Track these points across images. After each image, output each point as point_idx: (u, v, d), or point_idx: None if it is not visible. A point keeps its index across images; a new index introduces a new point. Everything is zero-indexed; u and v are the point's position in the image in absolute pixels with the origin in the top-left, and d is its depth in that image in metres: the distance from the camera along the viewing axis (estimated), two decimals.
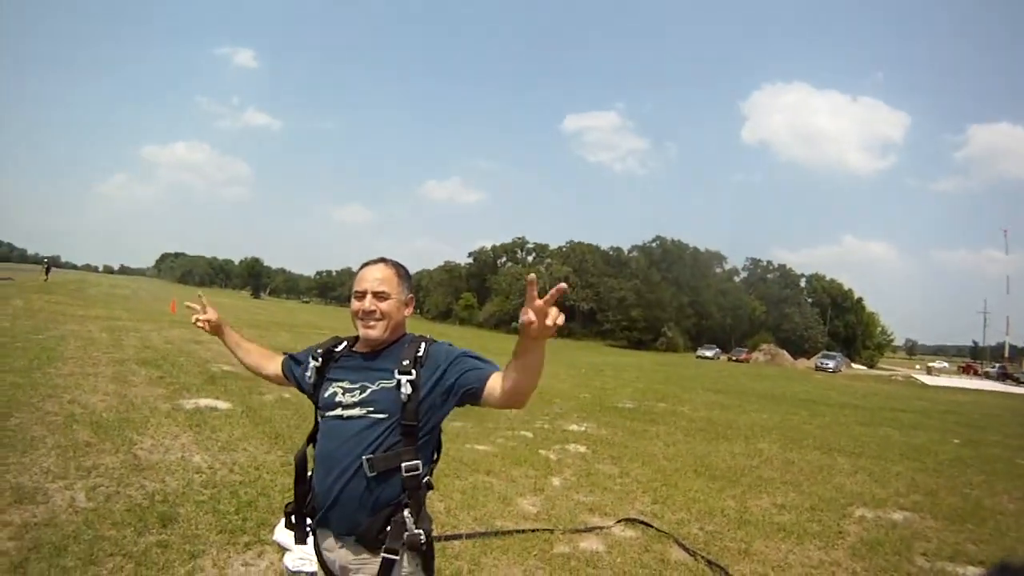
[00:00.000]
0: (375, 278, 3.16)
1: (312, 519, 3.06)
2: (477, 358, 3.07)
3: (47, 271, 70.00)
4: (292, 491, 3.23)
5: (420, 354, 3.02)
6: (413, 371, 2.94)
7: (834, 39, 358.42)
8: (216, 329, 3.69)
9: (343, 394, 3.00)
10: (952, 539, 8.30)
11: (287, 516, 3.17)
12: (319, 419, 3.11)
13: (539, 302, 2.43)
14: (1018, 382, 75.99)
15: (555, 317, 2.44)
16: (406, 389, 2.90)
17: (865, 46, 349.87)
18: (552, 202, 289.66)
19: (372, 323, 3.08)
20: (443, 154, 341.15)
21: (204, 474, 7.78)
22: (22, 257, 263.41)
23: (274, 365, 3.61)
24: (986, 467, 13.75)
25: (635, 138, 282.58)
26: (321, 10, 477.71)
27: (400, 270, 3.29)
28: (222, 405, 11.81)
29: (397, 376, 2.93)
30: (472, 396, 2.94)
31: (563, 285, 2.40)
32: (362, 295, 3.12)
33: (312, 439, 3.15)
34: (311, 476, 3.09)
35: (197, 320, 3.71)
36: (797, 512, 8.82)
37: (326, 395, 3.07)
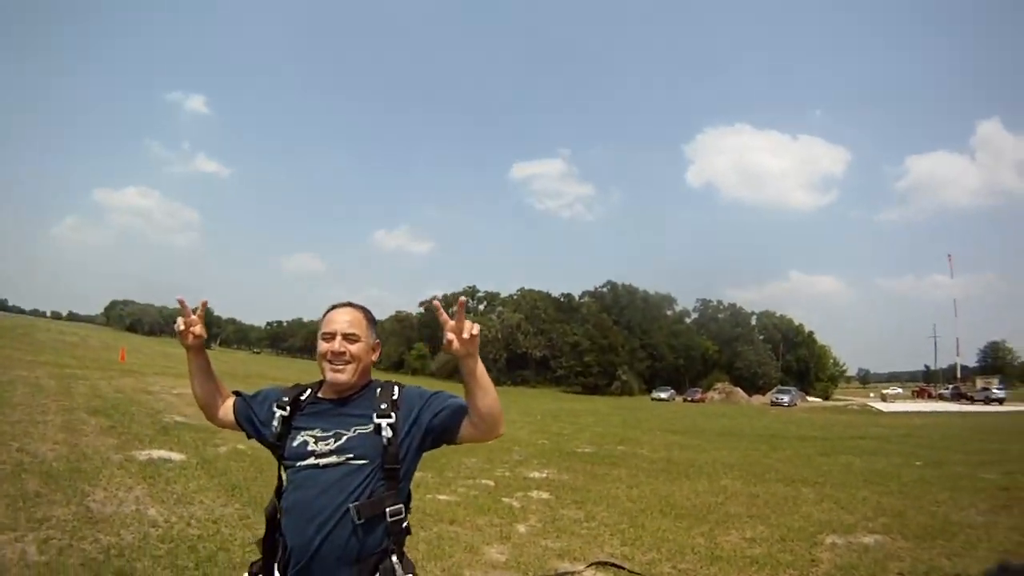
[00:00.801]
0: (345, 320, 3.11)
1: (285, 574, 2.86)
2: (450, 396, 3.06)
3: None
4: (253, 545, 3.17)
5: (395, 397, 3.00)
6: (392, 414, 2.91)
7: (773, 79, 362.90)
8: (196, 346, 3.32)
9: (316, 442, 2.89)
10: (925, 556, 8.30)
11: (252, 575, 3.01)
12: (286, 470, 2.97)
13: (451, 322, 2.68)
14: (972, 401, 77.17)
15: (470, 329, 2.66)
16: (387, 433, 2.86)
17: (802, 85, 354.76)
18: (502, 250, 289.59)
19: (341, 366, 3.01)
20: (392, 203, 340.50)
21: (160, 528, 7.53)
22: None
23: (225, 407, 3.42)
24: (950, 484, 13.81)
25: (581, 185, 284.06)
26: (271, 58, 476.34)
27: (368, 314, 3.26)
28: (176, 456, 11.52)
29: (376, 420, 2.88)
30: (449, 433, 2.98)
31: (463, 298, 2.84)
32: (331, 336, 3.05)
33: (280, 493, 2.99)
34: (280, 530, 2.92)
35: (186, 328, 3.25)
36: (768, 544, 8.71)
37: (295, 444, 2.94)
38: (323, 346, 3.06)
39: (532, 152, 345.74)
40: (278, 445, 3.02)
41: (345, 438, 2.85)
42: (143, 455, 11.29)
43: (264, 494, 8.44)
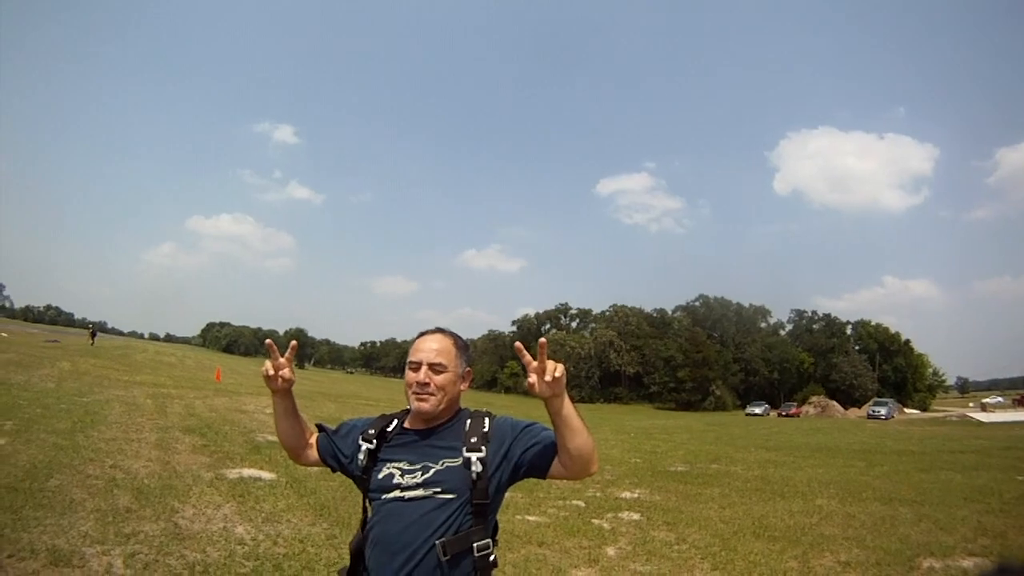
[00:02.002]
0: (431, 349, 3.01)
1: None
2: (543, 429, 2.96)
3: (92, 335, 71.13)
4: (338, 566, 3.28)
5: (486, 429, 2.90)
6: (483, 448, 2.81)
7: (853, 80, 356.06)
8: (284, 390, 3.20)
9: (402, 475, 2.82)
10: None
11: None
12: (371, 502, 2.91)
13: (535, 363, 2.63)
14: None
15: (552, 371, 2.59)
16: (476, 467, 2.75)
17: (883, 82, 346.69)
18: (592, 266, 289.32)
19: (425, 396, 2.92)
20: (481, 224, 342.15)
21: (247, 546, 7.63)
22: (69, 321, 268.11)
23: (309, 446, 3.33)
24: None
25: (668, 198, 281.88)
26: (356, 88, 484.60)
27: (459, 341, 3.15)
28: (266, 475, 11.62)
29: (466, 454, 2.79)
30: (538, 470, 2.89)
31: (543, 340, 2.67)
32: (417, 366, 2.97)
33: (365, 525, 2.93)
34: (364, 563, 2.87)
35: (275, 372, 3.12)
36: (862, 569, 8.51)
37: (381, 477, 2.87)
38: (409, 376, 2.97)
39: (617, 167, 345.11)
40: (363, 478, 2.95)
41: (433, 471, 2.78)
42: (234, 473, 11.45)
43: (353, 515, 8.51)
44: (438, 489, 2.72)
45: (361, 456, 2.96)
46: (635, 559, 8.61)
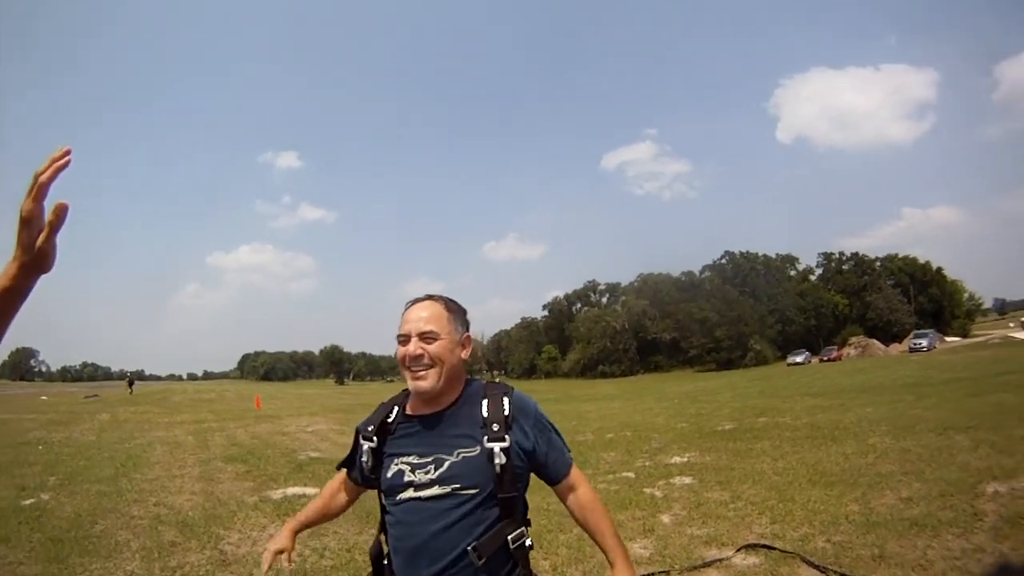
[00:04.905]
0: (420, 317, 2.73)
1: None
2: (562, 440, 2.84)
3: (130, 384, 73.31)
4: None
5: (507, 413, 2.64)
6: (506, 437, 2.57)
7: (835, 14, 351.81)
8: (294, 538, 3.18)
9: (412, 471, 2.57)
10: None
11: None
12: (386, 504, 2.68)
13: None
14: None
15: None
16: (500, 459, 2.52)
17: (868, 12, 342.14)
18: (613, 241, 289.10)
19: (421, 372, 2.66)
20: (494, 215, 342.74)
21: (294, 562, 7.40)
22: (107, 375, 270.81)
23: (342, 494, 3.20)
24: None
25: (676, 162, 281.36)
26: (351, 96, 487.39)
27: (450, 305, 2.86)
28: (310, 491, 11.53)
29: (487, 444, 2.54)
30: (545, 480, 2.81)
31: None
32: (406, 339, 2.70)
33: (384, 528, 2.72)
34: (391, 570, 2.67)
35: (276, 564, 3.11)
36: (926, 502, 8.27)
37: (390, 475, 2.63)
38: (400, 352, 2.72)
39: (619, 139, 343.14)
40: (372, 479, 2.77)
41: (447, 464, 2.53)
42: (278, 494, 11.39)
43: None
44: (458, 485, 2.50)
45: (365, 457, 2.77)
46: (691, 523, 8.44)
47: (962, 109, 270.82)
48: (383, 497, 2.71)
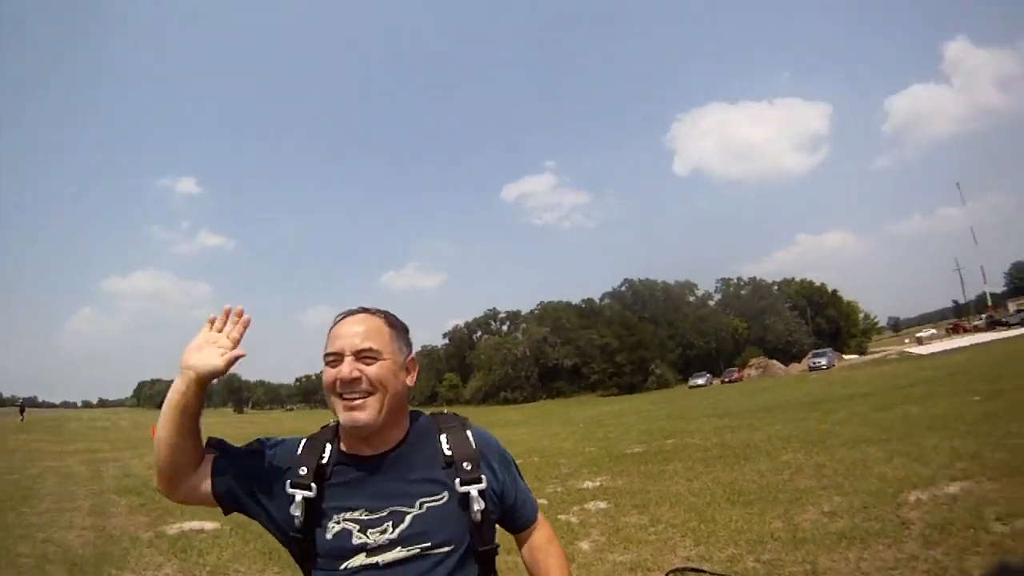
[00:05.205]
0: (354, 332, 2.11)
1: None
2: (528, 494, 2.35)
3: (22, 411, 70.96)
4: None
5: (475, 447, 2.15)
6: (483, 477, 2.08)
7: (730, 51, 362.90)
8: (214, 373, 2.08)
9: (363, 531, 1.96)
10: (1020, 494, 7.83)
11: None
12: (325, 574, 1.99)
13: None
14: (1009, 326, 77.09)
15: None
16: (478, 504, 2.03)
17: (762, 49, 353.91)
18: (513, 270, 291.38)
19: (358, 400, 2.03)
20: (394, 244, 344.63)
21: None
22: None
23: (198, 473, 2.16)
24: (1017, 414, 13.42)
25: (574, 193, 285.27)
26: (249, 131, 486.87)
27: (391, 319, 2.26)
28: (208, 525, 10.97)
29: (460, 488, 2.03)
30: (509, 527, 2.30)
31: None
32: (337, 358, 2.08)
33: None
34: None
35: (223, 345, 2.15)
36: (850, 515, 8.17)
37: (330, 537, 1.98)
38: (329, 374, 2.08)
39: (518, 171, 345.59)
40: (304, 541, 2.03)
41: (410, 518, 1.97)
42: (174, 529, 10.85)
43: None
44: (427, 543, 1.96)
45: (296, 512, 2.00)
46: (612, 550, 8.14)
47: (854, 140, 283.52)
48: (318, 564, 2.02)
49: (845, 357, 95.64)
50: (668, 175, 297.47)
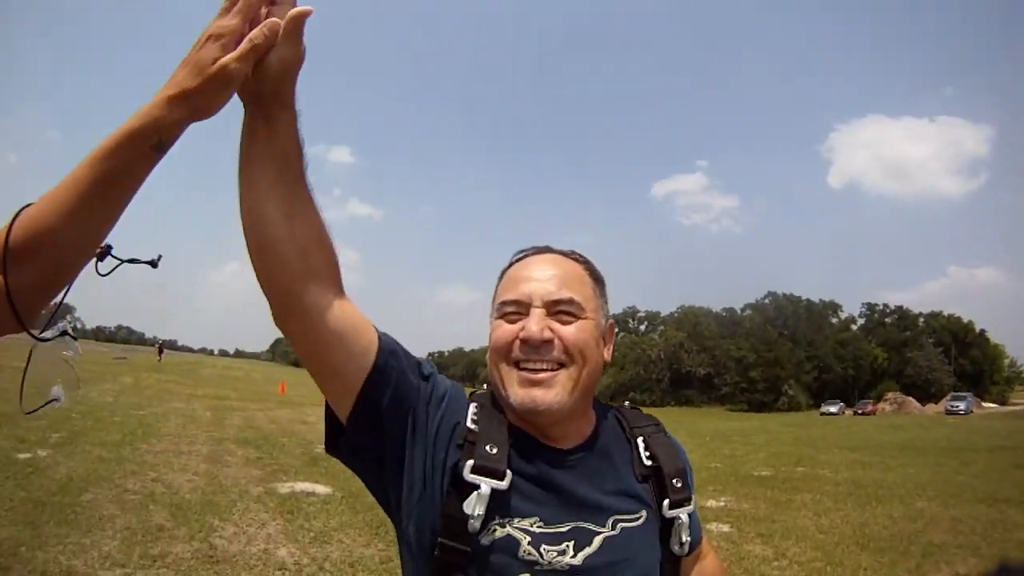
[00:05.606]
0: (548, 275, 1.55)
1: None
2: (698, 520, 1.70)
3: (160, 351, 74.13)
4: None
5: (683, 461, 1.63)
6: (693, 498, 1.60)
7: (893, 63, 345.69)
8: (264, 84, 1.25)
9: (535, 545, 1.39)
10: None
11: None
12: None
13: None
14: None
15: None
16: (686, 535, 1.54)
17: (926, 63, 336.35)
18: (656, 269, 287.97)
19: (545, 373, 1.47)
20: (539, 228, 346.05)
21: (288, 570, 6.87)
22: (141, 340, 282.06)
23: (341, 303, 1.43)
24: None
25: (723, 197, 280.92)
26: (407, 102, 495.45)
27: (592, 268, 1.69)
28: (321, 489, 10.81)
29: (668, 512, 1.52)
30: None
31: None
32: (522, 309, 1.53)
33: None
34: None
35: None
36: None
37: (490, 542, 1.38)
38: (504, 331, 1.52)
39: (669, 168, 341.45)
40: (451, 531, 1.39)
41: (599, 541, 1.43)
42: (285, 488, 10.76)
43: None
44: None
45: (478, 508, 1.36)
46: None
47: (1016, 168, 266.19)
48: (461, 570, 1.40)
49: (984, 404, 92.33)
50: (822, 185, 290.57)
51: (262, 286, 1.41)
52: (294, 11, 1.21)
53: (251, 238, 1.36)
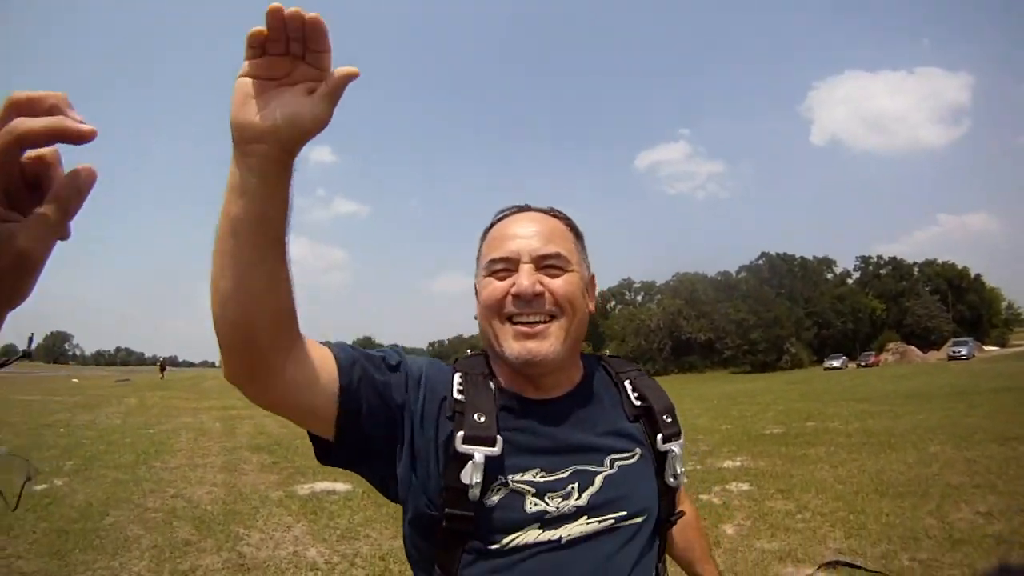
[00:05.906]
0: (532, 232, 1.63)
1: None
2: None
3: (162, 369, 74.57)
4: None
5: (669, 401, 1.71)
6: (680, 431, 1.67)
7: (867, 16, 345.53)
8: (303, 138, 1.21)
9: (538, 495, 1.47)
10: None
11: None
12: (481, 547, 1.45)
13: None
14: None
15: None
16: (675, 466, 1.62)
17: (900, 14, 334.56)
18: (648, 240, 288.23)
19: (540, 325, 1.54)
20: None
21: (321, 570, 6.94)
22: (140, 360, 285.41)
23: (301, 360, 1.41)
24: None
25: (709, 163, 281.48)
26: (385, 99, 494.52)
27: (572, 223, 1.77)
28: (340, 487, 10.82)
29: (662, 445, 1.62)
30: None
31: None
32: (511, 265, 1.59)
33: None
34: None
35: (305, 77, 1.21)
36: (1007, 517, 7.73)
37: (494, 503, 1.46)
38: (495, 288, 1.59)
39: (652, 138, 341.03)
40: (458, 504, 1.44)
41: (600, 480, 1.52)
42: (305, 489, 10.78)
43: None
44: (621, 513, 1.52)
45: (476, 476, 1.41)
46: (758, 536, 7.82)
47: (999, 113, 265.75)
48: (473, 538, 1.46)
49: (985, 348, 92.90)
50: (804, 145, 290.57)
51: (225, 353, 1.36)
52: (345, 71, 1.18)
53: (228, 314, 1.30)
